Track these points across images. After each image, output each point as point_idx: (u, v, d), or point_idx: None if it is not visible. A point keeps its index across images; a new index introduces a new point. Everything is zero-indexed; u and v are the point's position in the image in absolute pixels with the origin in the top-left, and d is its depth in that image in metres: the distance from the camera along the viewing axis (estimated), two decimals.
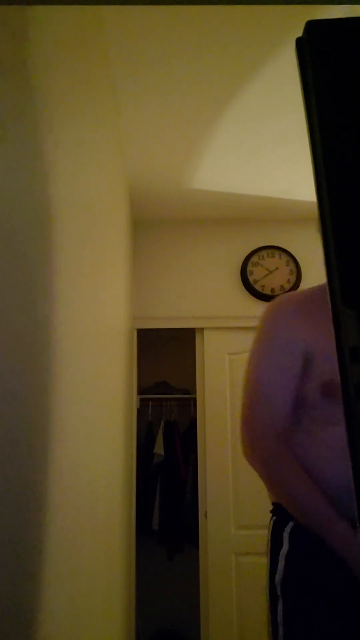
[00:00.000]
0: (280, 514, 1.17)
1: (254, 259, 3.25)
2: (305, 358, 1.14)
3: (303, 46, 0.52)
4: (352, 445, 0.45)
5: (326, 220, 0.48)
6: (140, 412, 3.52)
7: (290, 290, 3.18)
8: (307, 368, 1.14)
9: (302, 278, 3.21)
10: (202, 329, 3.19)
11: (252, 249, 3.24)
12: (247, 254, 3.26)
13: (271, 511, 1.23)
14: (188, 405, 3.68)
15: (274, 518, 1.20)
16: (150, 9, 1.56)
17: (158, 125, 2.27)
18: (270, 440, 1.15)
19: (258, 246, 3.25)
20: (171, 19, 1.65)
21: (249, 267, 3.24)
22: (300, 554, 1.12)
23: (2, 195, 0.63)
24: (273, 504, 1.22)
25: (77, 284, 1.16)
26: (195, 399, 3.29)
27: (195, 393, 3.27)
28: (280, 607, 1.10)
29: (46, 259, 0.86)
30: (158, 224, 3.33)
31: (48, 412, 0.85)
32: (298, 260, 3.23)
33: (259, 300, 3.20)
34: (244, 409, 1.20)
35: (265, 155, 2.50)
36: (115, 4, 0.55)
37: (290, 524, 1.14)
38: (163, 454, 3.56)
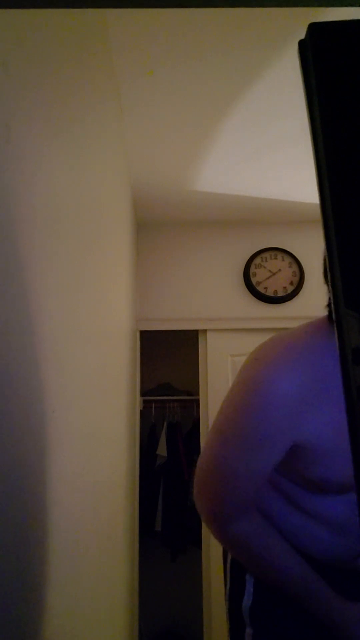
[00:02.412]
0: None
1: (257, 260, 3.25)
2: (294, 446, 0.88)
3: (306, 49, 0.52)
4: (355, 453, 0.45)
5: (329, 221, 0.48)
6: (143, 414, 3.52)
7: (292, 292, 3.18)
8: (292, 456, 0.89)
9: (305, 280, 3.21)
10: (204, 331, 3.20)
11: (255, 251, 3.25)
12: (249, 255, 3.26)
13: None
14: (191, 406, 3.68)
15: None
16: (153, 14, 1.56)
17: (161, 127, 2.27)
18: (233, 521, 0.92)
19: (261, 248, 3.25)
20: (174, 23, 1.65)
21: (252, 269, 3.24)
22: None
23: (5, 197, 0.63)
24: None
25: (81, 285, 1.17)
26: (198, 401, 3.29)
27: (198, 395, 3.27)
28: (248, 636, 0.96)
29: (49, 262, 0.86)
30: (161, 225, 3.33)
31: (51, 413, 0.85)
32: (301, 262, 3.23)
33: (261, 302, 3.20)
34: (203, 480, 0.94)
35: (269, 157, 2.51)
36: (114, 7, 0.55)
37: None
38: (166, 455, 3.56)
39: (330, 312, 0.96)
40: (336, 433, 0.81)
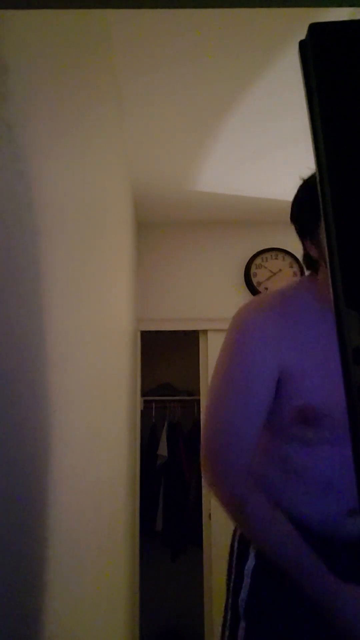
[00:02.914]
0: None
1: (258, 261, 3.25)
2: (279, 379, 0.97)
3: (306, 49, 0.52)
4: (356, 450, 0.45)
5: (329, 221, 0.48)
6: (144, 414, 3.52)
7: None
8: (279, 389, 0.98)
9: None
10: (205, 331, 3.20)
11: (256, 251, 3.25)
12: (250, 256, 3.26)
13: None
14: (191, 406, 3.68)
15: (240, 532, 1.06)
16: (154, 15, 1.56)
17: (162, 128, 2.27)
18: (240, 481, 0.95)
19: (261, 248, 3.25)
20: (175, 24, 1.65)
21: (253, 269, 3.24)
22: (268, 570, 0.97)
23: (6, 198, 0.63)
24: None
25: (82, 286, 1.17)
26: (198, 401, 3.29)
27: (198, 395, 3.27)
28: (241, 630, 0.97)
29: (50, 262, 0.86)
30: (162, 226, 3.34)
31: (52, 414, 0.85)
32: (301, 262, 3.23)
33: None
34: (206, 440, 0.99)
35: (269, 158, 2.51)
36: (114, 7, 0.55)
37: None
38: (167, 455, 3.56)
39: (307, 262, 1.10)
40: (310, 358, 0.95)
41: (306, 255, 1.09)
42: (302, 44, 0.52)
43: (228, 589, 1.04)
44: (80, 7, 0.55)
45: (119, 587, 1.97)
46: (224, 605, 1.06)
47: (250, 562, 0.99)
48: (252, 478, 0.97)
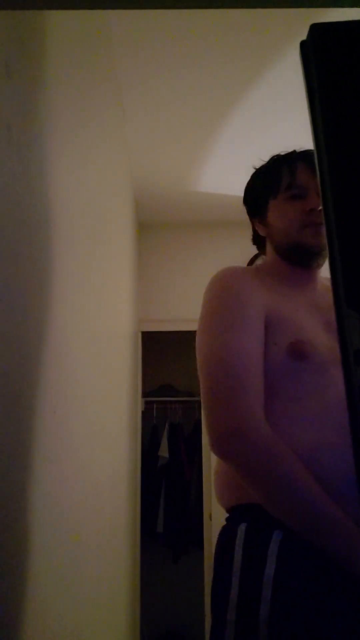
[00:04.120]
0: (255, 519, 0.90)
1: (259, 261, 3.24)
2: (267, 323, 1.00)
3: (307, 49, 0.52)
4: (356, 450, 0.45)
5: (331, 222, 0.48)
6: (145, 415, 3.52)
7: None
8: (268, 334, 1.00)
9: None
10: None
11: (257, 252, 3.24)
12: (251, 256, 3.25)
13: (230, 517, 0.99)
14: (192, 407, 3.67)
15: (245, 526, 0.92)
16: (155, 16, 1.56)
17: (163, 129, 2.27)
18: (261, 424, 0.90)
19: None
20: (175, 27, 1.65)
21: None
22: (297, 575, 0.83)
23: (7, 199, 0.63)
24: (235, 507, 0.98)
25: (83, 286, 1.17)
26: (199, 402, 3.29)
27: (199, 395, 3.26)
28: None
29: (52, 263, 0.86)
30: (163, 226, 3.34)
31: (52, 414, 0.85)
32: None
33: None
34: (217, 393, 0.95)
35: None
36: (114, 7, 0.55)
37: (278, 535, 0.85)
38: (168, 456, 3.56)
39: (255, 240, 1.34)
40: (286, 307, 1.04)
41: (255, 233, 1.29)
42: (303, 44, 0.52)
43: (225, 605, 0.86)
44: (81, 7, 0.55)
45: (120, 588, 1.97)
46: (217, 621, 0.88)
47: (269, 570, 0.83)
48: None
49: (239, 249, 3.33)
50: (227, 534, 0.97)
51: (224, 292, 1.04)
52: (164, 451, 3.57)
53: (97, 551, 1.35)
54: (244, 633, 0.83)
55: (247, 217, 1.31)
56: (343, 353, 0.44)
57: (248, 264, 3.24)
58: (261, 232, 1.24)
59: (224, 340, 0.98)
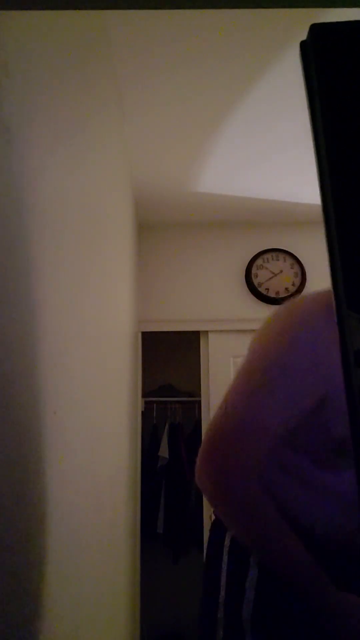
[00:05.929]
0: None
1: (259, 262, 3.25)
2: (321, 399, 0.88)
3: (307, 50, 0.52)
4: (357, 450, 0.44)
5: (330, 222, 0.48)
6: (145, 415, 3.52)
7: (294, 293, 3.17)
8: (319, 411, 0.89)
9: (307, 281, 3.21)
10: (206, 332, 3.19)
11: (257, 252, 3.24)
12: (251, 256, 3.25)
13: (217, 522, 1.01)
14: (193, 408, 3.67)
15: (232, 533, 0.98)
16: (155, 17, 1.56)
17: (163, 130, 2.27)
18: (251, 484, 0.89)
19: (262, 249, 3.25)
20: (175, 28, 1.65)
21: (254, 270, 3.24)
22: (272, 580, 0.90)
23: (6, 200, 0.63)
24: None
25: (83, 287, 1.17)
26: (199, 402, 3.29)
27: (199, 396, 3.26)
28: None
29: (51, 264, 0.86)
30: (163, 227, 3.34)
31: (52, 415, 0.85)
32: (302, 262, 3.23)
33: (263, 303, 3.20)
34: (217, 437, 0.94)
35: (270, 158, 2.50)
36: (114, 8, 0.55)
37: None
38: (168, 456, 3.56)
39: None
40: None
41: None
42: (303, 44, 0.52)
43: (215, 604, 0.95)
44: (81, 7, 0.55)
45: (120, 589, 1.97)
46: (204, 620, 0.96)
47: (253, 574, 0.92)
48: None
49: (238, 249, 3.34)
50: (217, 535, 1.05)
51: (287, 344, 0.92)
52: (164, 451, 3.57)
53: (97, 551, 1.34)
54: (232, 629, 0.92)
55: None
56: (343, 353, 0.44)
57: (248, 264, 3.24)
58: None
59: (257, 398, 0.91)
